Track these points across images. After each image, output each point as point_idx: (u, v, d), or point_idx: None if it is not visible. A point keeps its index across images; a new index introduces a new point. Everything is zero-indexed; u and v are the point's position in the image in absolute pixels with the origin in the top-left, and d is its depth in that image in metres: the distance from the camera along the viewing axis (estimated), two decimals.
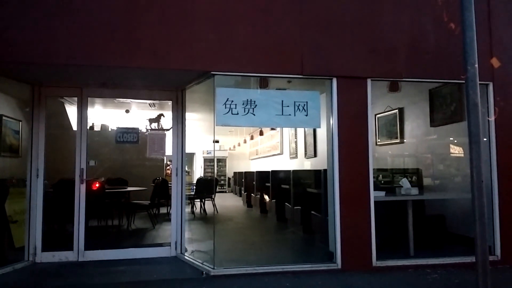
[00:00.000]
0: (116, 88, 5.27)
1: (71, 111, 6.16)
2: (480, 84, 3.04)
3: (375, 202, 4.58)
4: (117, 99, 6.16)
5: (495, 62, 4.82)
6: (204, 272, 4.37)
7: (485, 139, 4.80)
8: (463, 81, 3.10)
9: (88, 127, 5.17)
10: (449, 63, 4.70)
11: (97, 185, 5.88)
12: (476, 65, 2.88)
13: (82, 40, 4.15)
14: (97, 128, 8.19)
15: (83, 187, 4.98)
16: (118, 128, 5.70)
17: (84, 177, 4.99)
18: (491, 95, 4.88)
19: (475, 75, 2.90)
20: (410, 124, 6.88)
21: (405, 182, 5.15)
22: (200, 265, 4.56)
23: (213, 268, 4.35)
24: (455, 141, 6.08)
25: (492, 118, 4.84)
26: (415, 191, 5.03)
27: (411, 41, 4.78)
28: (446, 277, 4.27)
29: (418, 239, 5.00)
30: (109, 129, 8.24)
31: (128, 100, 6.32)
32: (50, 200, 5.05)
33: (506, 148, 4.85)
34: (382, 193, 4.85)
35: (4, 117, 5.42)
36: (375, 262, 4.50)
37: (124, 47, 4.23)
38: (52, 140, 5.08)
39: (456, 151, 6.11)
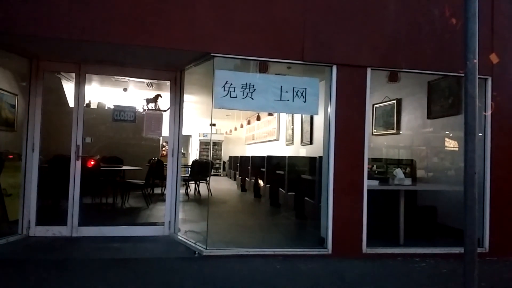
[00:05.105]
0: (115, 65, 5.24)
1: (68, 87, 6.12)
2: (479, 78, 3.04)
3: (368, 191, 4.63)
4: (115, 77, 6.13)
5: (493, 58, 4.81)
6: (196, 252, 4.42)
7: (480, 134, 4.84)
8: (463, 75, 3.12)
9: (85, 104, 5.14)
10: (449, 56, 4.69)
11: (92, 162, 5.87)
12: (476, 59, 2.87)
13: (82, 15, 4.09)
14: (93, 105, 8.15)
15: (79, 163, 4.99)
16: (116, 106, 5.67)
17: (80, 153, 4.99)
18: (489, 89, 4.90)
19: (474, 68, 2.89)
20: (407, 115, 6.90)
21: (398, 172, 5.20)
22: (193, 245, 4.62)
23: (206, 249, 4.40)
24: (451, 134, 6.12)
25: (488, 113, 4.87)
26: (408, 181, 5.10)
27: (414, 32, 4.76)
28: (434, 266, 4.35)
29: (409, 228, 5.08)
30: (106, 107, 8.20)
31: (126, 79, 6.28)
32: (44, 175, 5.06)
33: (501, 144, 4.90)
34: (376, 182, 4.90)
35: (0, 91, 5.38)
36: (365, 249, 4.58)
37: (125, 25, 4.19)
38: (48, 116, 5.05)
39: (451, 144, 6.15)
